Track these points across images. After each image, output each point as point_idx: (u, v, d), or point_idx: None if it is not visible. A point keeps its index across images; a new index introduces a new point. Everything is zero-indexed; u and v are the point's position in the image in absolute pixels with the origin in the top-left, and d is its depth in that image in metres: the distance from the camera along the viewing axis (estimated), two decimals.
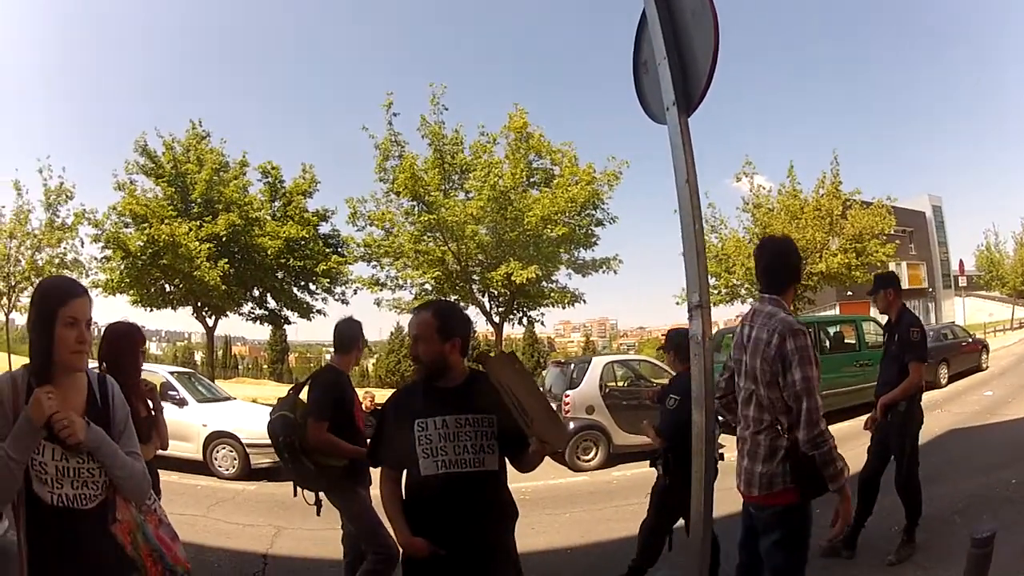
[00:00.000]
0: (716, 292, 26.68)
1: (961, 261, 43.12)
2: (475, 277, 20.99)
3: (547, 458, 11.64)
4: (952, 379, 22.00)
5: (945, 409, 16.77)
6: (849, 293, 42.16)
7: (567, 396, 13.55)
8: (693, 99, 3.49)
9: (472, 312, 22.04)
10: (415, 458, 3.33)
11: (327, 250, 25.75)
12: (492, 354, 3.48)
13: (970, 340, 25.24)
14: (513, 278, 18.61)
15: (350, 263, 25.05)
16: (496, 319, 21.95)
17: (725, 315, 44.03)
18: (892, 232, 28.71)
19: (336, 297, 26.51)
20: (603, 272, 21.85)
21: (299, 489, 5.40)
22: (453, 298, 21.11)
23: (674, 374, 6.64)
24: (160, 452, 4.62)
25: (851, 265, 25.32)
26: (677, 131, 3.47)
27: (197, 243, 21.77)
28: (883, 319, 7.44)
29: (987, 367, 24.84)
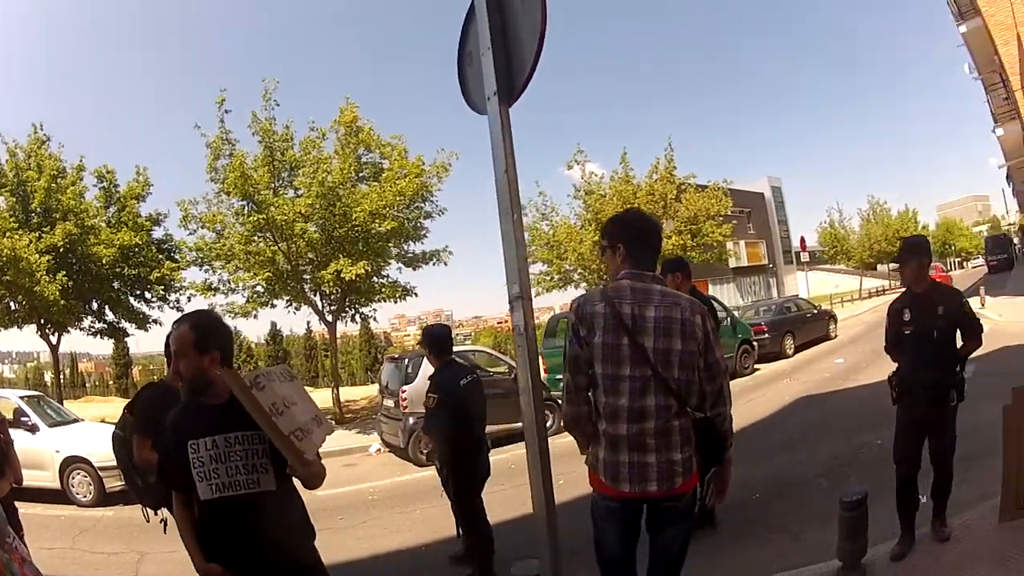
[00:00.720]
0: (549, 279, 27.30)
1: (802, 237, 44.97)
2: (306, 276, 20.43)
3: (391, 455, 11.60)
4: (800, 349, 23.16)
5: (794, 378, 17.66)
6: None
7: (404, 392, 13.31)
8: (515, 89, 3.47)
9: (305, 312, 21.96)
10: (193, 482, 3.15)
11: (160, 256, 24.50)
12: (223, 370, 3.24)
13: (815, 311, 26.55)
14: (343, 275, 18.06)
15: (183, 268, 24.11)
16: (329, 318, 21.53)
17: (560, 300, 45.02)
18: (729, 213, 29.89)
19: (171, 305, 24.97)
20: (434, 264, 21.88)
21: (146, 510, 5.26)
22: (285, 299, 20.97)
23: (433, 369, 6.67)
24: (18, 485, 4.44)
25: (686, 246, 26.45)
26: (497, 122, 3.44)
27: (37, 256, 20.33)
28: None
29: (836, 336, 26.17)
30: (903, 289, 5.77)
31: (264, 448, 3.14)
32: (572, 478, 3.79)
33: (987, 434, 5.44)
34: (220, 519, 3.15)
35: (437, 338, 6.69)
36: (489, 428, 11.58)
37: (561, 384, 3.70)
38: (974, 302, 26.86)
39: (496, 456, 11.48)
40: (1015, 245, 62.99)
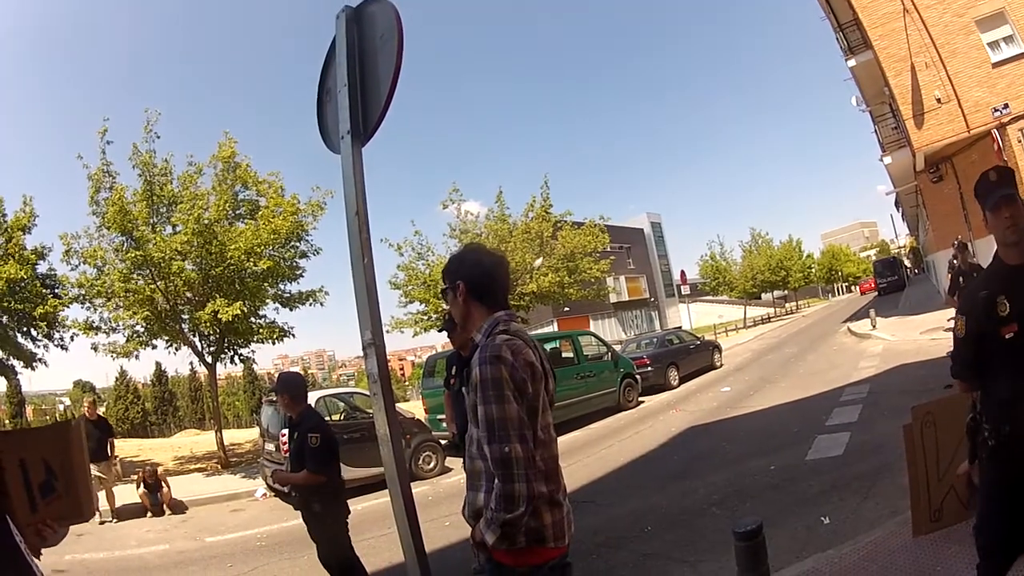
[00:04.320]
0: (427, 318, 27.00)
1: (683, 271, 45.87)
2: (184, 316, 19.70)
3: (277, 499, 11.31)
4: (684, 380, 23.19)
5: (681, 408, 17.56)
6: (566, 309, 45.81)
7: (283, 435, 12.94)
8: (370, 127, 3.41)
9: (184, 353, 20.92)
10: None
11: (45, 291, 22.69)
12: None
13: (698, 342, 26.60)
14: (220, 316, 17.60)
15: (66, 305, 23.11)
16: (208, 359, 20.70)
17: (440, 340, 45.22)
18: (608, 249, 30.52)
19: (56, 343, 24.18)
20: (310, 305, 21.37)
21: None
22: (164, 339, 20.11)
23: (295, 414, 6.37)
24: None
25: (563, 283, 26.56)
26: (349, 162, 3.36)
27: None
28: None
29: (721, 365, 26.27)
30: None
31: None
32: (460, 519, 3.37)
33: (889, 451, 5.17)
34: None
35: (293, 384, 6.45)
36: (366, 472, 11.46)
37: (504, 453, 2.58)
38: (864, 324, 27.35)
39: (370, 502, 11.34)
40: (906, 267, 65.56)
